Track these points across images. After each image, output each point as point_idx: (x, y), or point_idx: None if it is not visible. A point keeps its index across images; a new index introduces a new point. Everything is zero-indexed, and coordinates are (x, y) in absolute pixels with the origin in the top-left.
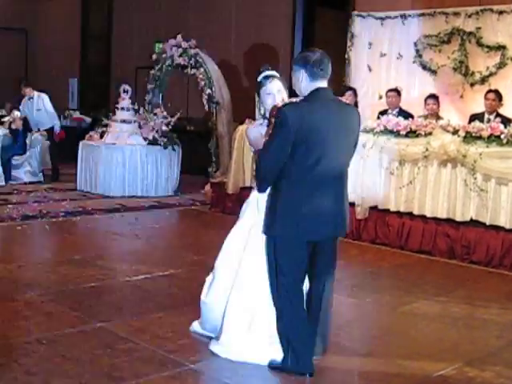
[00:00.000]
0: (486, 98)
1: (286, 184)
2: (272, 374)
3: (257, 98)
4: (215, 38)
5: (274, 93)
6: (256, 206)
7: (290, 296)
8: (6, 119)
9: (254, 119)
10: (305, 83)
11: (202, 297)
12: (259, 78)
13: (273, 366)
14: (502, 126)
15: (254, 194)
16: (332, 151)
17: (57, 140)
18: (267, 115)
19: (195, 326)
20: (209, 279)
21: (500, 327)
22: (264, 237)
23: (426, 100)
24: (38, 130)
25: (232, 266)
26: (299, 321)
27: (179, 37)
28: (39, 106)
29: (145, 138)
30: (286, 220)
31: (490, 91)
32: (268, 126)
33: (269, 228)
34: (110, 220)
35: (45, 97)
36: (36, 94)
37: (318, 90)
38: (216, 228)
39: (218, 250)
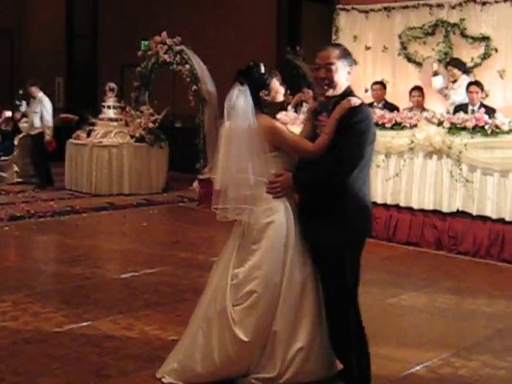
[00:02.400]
0: (469, 91)
1: (350, 183)
2: None
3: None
4: (200, 34)
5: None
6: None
7: (355, 311)
8: None
9: None
10: (348, 78)
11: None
12: (263, 70)
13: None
14: (486, 117)
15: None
16: None
17: (49, 149)
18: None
19: None
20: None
21: (487, 317)
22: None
23: (410, 92)
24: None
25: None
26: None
27: (164, 34)
28: (36, 109)
29: (132, 136)
30: (358, 218)
31: (471, 83)
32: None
33: (335, 234)
34: (97, 218)
35: (46, 100)
36: (40, 95)
37: (349, 85)
38: (204, 225)
39: (206, 246)
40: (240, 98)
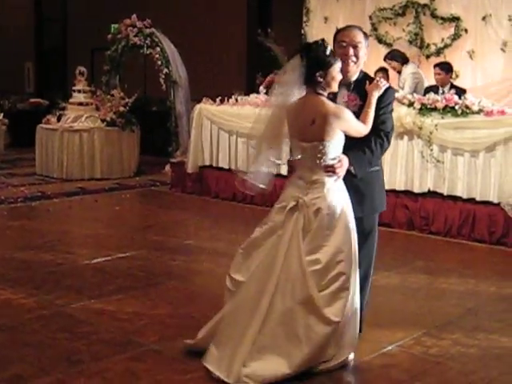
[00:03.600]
0: (434, 73)
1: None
2: None
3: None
4: (171, 17)
5: None
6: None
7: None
8: None
9: (211, 98)
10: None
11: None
12: (329, 52)
13: None
14: (456, 97)
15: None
16: None
17: None
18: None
19: None
20: None
21: (458, 296)
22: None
23: (375, 73)
24: None
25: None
26: None
27: (134, 17)
28: None
29: (103, 120)
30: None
31: (435, 65)
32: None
33: (378, 205)
34: (69, 204)
35: None
36: None
37: None
38: (176, 208)
39: (178, 230)
40: (295, 73)
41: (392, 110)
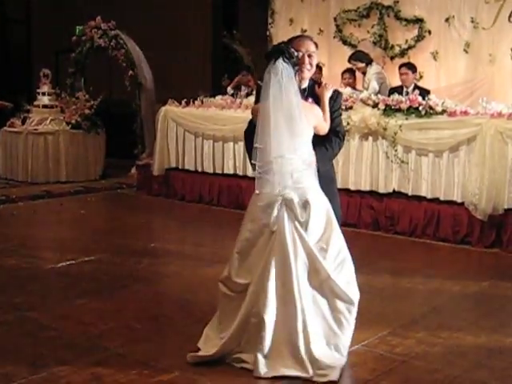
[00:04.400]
0: (400, 73)
1: None
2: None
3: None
4: (136, 19)
5: None
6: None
7: None
8: None
9: (177, 100)
10: None
11: None
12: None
13: None
14: (420, 98)
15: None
16: None
17: None
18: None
19: None
20: None
21: (423, 295)
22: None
23: (342, 74)
24: None
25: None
26: None
27: (99, 18)
28: None
29: (68, 123)
30: None
31: (401, 65)
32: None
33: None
34: (34, 207)
35: None
36: None
37: None
38: (142, 211)
39: (144, 232)
40: (288, 73)
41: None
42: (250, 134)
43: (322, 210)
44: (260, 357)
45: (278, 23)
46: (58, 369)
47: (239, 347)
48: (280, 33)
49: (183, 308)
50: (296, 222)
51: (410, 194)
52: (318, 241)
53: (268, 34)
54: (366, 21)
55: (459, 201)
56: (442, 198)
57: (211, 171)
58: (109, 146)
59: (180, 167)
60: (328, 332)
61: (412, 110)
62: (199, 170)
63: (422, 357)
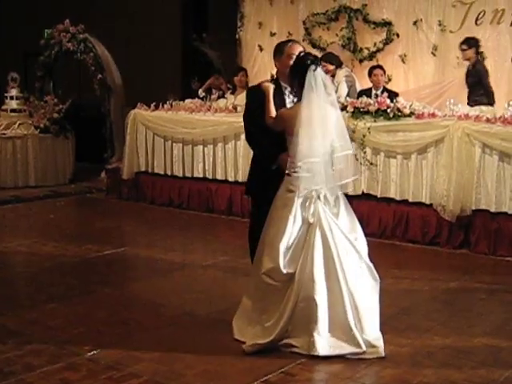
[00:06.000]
0: (373, 75)
1: None
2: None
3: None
4: (105, 22)
5: None
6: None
7: None
8: None
9: (146, 104)
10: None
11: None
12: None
13: None
14: (388, 101)
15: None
16: None
17: None
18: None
19: None
20: None
21: (391, 296)
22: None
23: None
24: None
25: None
26: None
27: (67, 22)
28: None
29: (36, 127)
30: None
31: (376, 67)
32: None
33: None
34: (2, 212)
35: None
36: None
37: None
38: (111, 215)
39: (114, 236)
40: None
41: None
42: (259, 134)
43: (346, 203)
44: (317, 337)
45: (247, 27)
46: (26, 375)
47: (287, 333)
48: (249, 36)
49: (153, 312)
50: (331, 214)
51: (378, 195)
52: (349, 228)
53: (237, 37)
54: (335, 24)
55: (428, 202)
56: (410, 200)
57: (181, 175)
58: (78, 150)
59: (150, 171)
60: (370, 310)
61: (380, 113)
62: (169, 173)
63: (391, 358)
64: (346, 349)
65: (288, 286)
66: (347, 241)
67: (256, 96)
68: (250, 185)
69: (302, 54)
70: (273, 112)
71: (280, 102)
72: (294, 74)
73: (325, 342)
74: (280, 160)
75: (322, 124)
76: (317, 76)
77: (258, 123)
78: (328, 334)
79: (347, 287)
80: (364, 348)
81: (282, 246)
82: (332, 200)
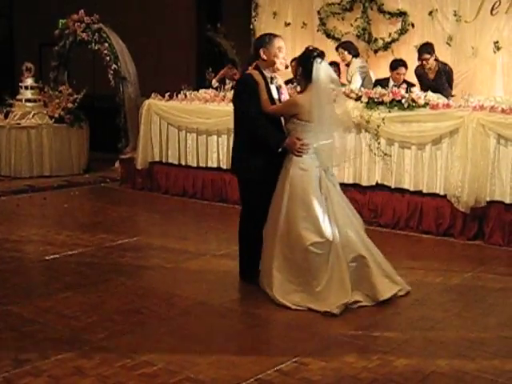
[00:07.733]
0: (396, 73)
1: None
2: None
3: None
4: (119, 12)
5: None
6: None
7: None
8: None
9: (160, 94)
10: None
11: None
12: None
13: None
14: (403, 91)
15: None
16: None
17: None
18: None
19: None
20: None
21: None
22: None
23: None
24: None
25: None
26: None
27: (82, 12)
28: None
29: (51, 117)
30: None
31: (400, 64)
32: None
33: None
34: (17, 201)
35: None
36: None
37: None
38: (125, 204)
39: (127, 226)
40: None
41: None
42: (263, 119)
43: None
44: (377, 285)
45: (262, 17)
46: (41, 362)
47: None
48: (263, 26)
49: (166, 301)
50: (335, 186)
51: (392, 186)
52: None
53: (252, 27)
54: (350, 14)
55: (442, 193)
56: (424, 191)
57: (195, 165)
58: (92, 139)
59: (163, 161)
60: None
61: (395, 103)
62: (183, 163)
63: (404, 348)
64: (394, 288)
65: (329, 252)
66: (344, 203)
67: (247, 86)
68: (248, 168)
69: (310, 47)
70: (268, 101)
71: (267, 91)
72: (303, 65)
73: (385, 286)
74: (288, 142)
75: (329, 111)
76: (322, 68)
77: (252, 110)
78: (384, 280)
79: (371, 242)
80: (405, 284)
81: (319, 218)
82: (331, 175)
